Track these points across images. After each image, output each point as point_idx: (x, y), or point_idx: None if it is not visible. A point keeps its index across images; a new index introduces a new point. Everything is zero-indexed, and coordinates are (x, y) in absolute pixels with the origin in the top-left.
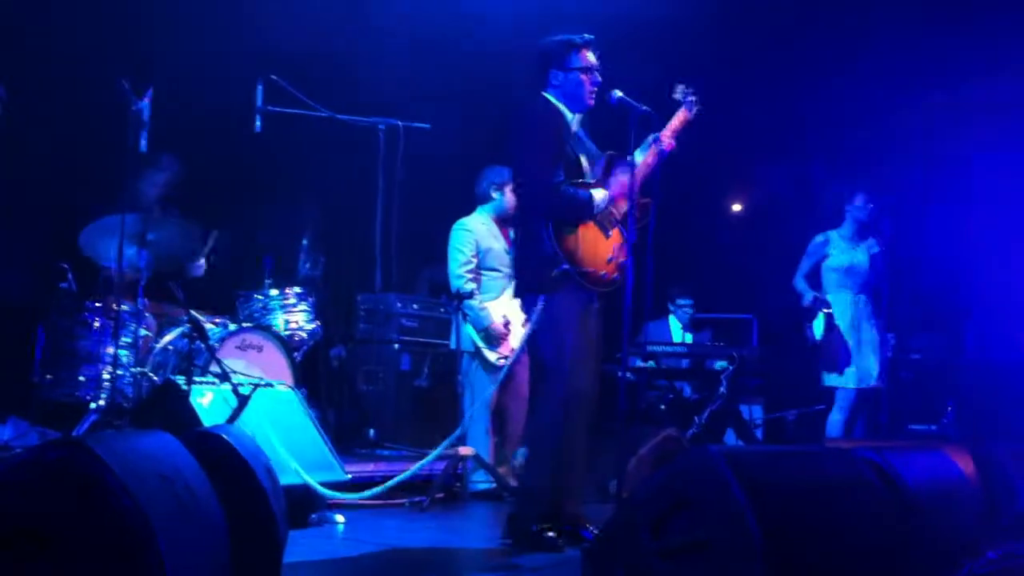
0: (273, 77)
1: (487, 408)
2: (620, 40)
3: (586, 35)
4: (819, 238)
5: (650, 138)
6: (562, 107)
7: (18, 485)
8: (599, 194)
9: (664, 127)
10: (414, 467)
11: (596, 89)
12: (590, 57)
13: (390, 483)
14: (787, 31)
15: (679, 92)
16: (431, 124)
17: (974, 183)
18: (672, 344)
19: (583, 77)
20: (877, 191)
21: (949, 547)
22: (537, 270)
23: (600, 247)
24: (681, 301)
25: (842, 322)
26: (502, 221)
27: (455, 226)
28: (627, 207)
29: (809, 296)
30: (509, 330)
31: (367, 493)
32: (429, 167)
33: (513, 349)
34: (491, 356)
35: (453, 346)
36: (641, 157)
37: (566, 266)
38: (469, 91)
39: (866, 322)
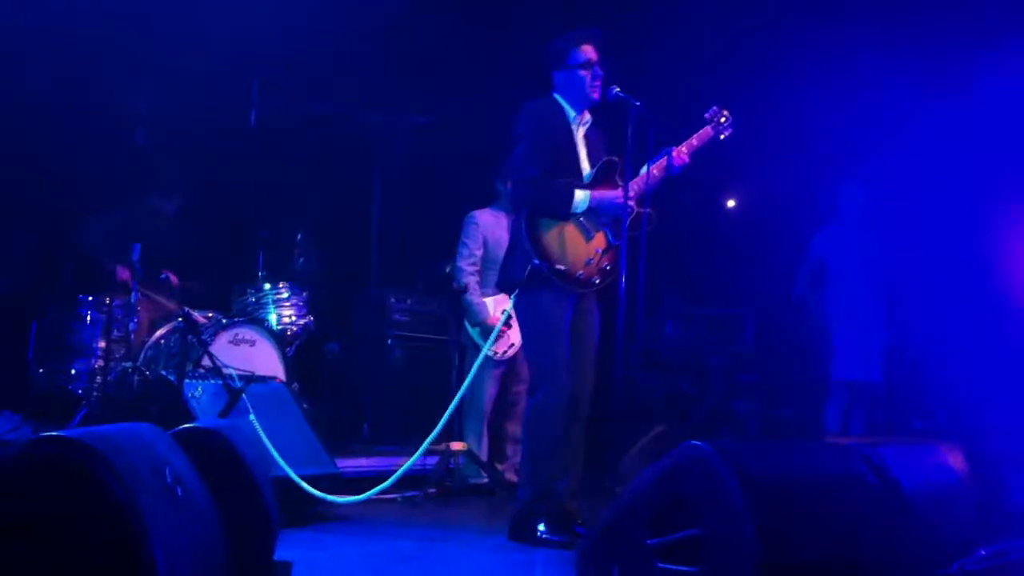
0: (269, 73)
1: (483, 403)
2: (614, 33)
3: (584, 31)
4: (820, 233)
5: (663, 151)
6: (566, 106)
7: (11, 479)
8: (580, 194)
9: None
10: (407, 463)
11: (599, 83)
12: (589, 51)
13: (384, 484)
14: (785, 25)
15: (710, 112)
16: (426, 119)
17: (973, 179)
18: (668, 340)
19: (583, 73)
20: (873, 186)
21: (941, 543)
22: (514, 264)
23: (578, 248)
24: (669, 301)
25: (841, 317)
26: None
27: (465, 219)
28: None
29: (800, 293)
30: (510, 325)
31: (361, 497)
32: (425, 162)
33: (513, 344)
34: (487, 351)
35: (458, 339)
36: (647, 168)
37: (537, 261)
38: (466, 86)
39: (864, 318)
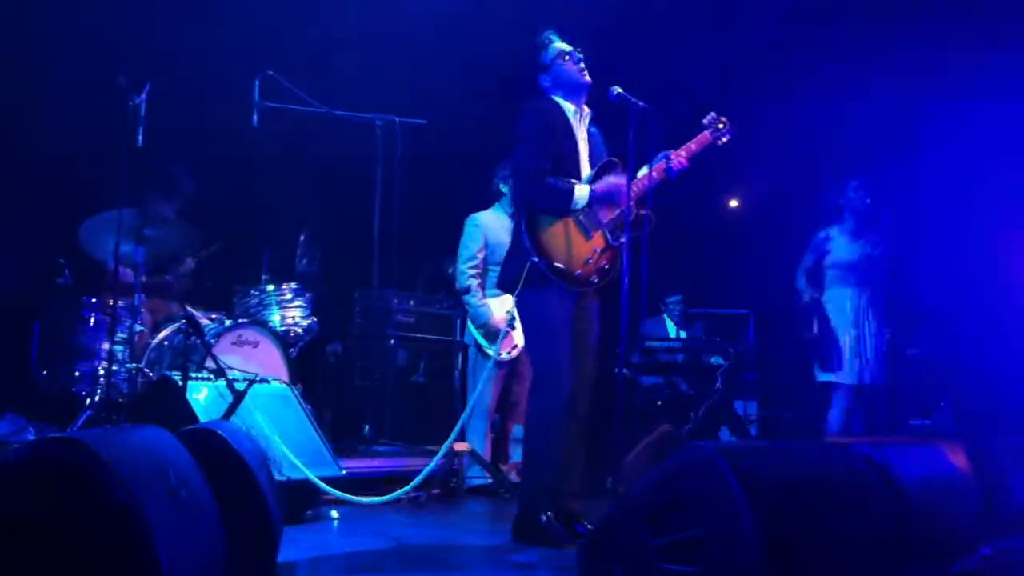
0: (270, 72)
1: (487, 404)
2: (615, 34)
3: (543, 31)
4: (820, 234)
5: (661, 155)
6: (564, 102)
7: (15, 480)
8: (581, 189)
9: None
10: (428, 466)
11: (583, 64)
12: (560, 45)
13: (406, 488)
14: (786, 24)
15: (709, 118)
16: (428, 119)
17: (973, 179)
18: (668, 340)
19: (563, 62)
20: (876, 186)
21: (944, 543)
22: (513, 263)
23: (578, 247)
24: (671, 299)
25: (842, 317)
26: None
27: (467, 220)
28: (616, 214)
29: (807, 296)
30: (513, 327)
31: (389, 496)
32: (426, 162)
33: (516, 345)
34: (492, 352)
35: (461, 340)
36: (645, 170)
37: (536, 259)
38: (467, 86)
39: (865, 318)
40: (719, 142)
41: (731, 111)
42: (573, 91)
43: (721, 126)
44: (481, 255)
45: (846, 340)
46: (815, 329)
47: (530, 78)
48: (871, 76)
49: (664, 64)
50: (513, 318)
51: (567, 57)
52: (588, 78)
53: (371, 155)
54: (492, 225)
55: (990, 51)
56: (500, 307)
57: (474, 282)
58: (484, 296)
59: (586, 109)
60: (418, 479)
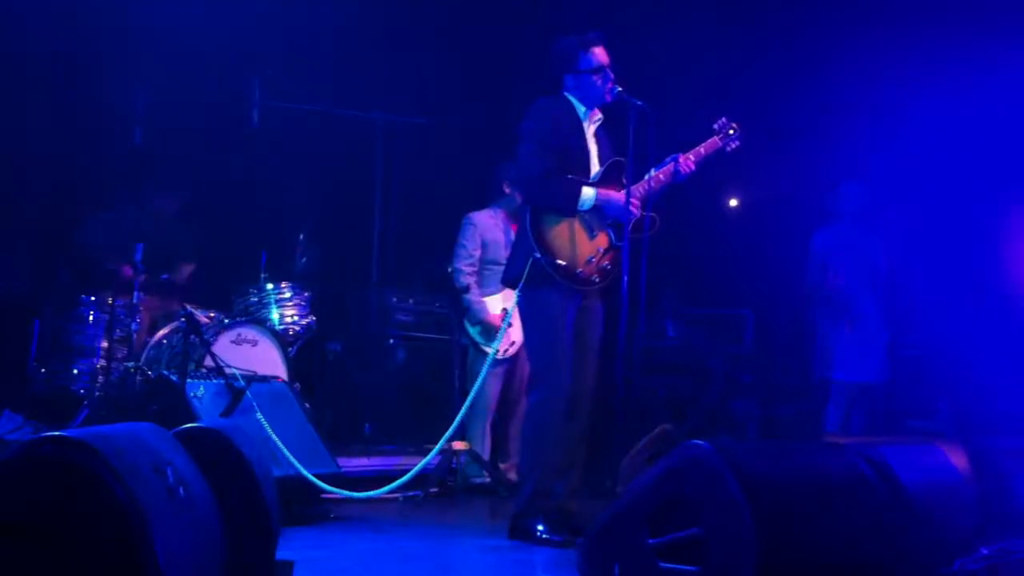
0: (270, 71)
1: (486, 402)
2: (615, 32)
3: (592, 33)
4: (821, 234)
5: (670, 158)
6: (577, 104)
7: (13, 478)
8: (587, 191)
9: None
10: (419, 463)
11: (611, 84)
12: (600, 55)
13: (396, 483)
14: (783, 21)
15: (718, 124)
16: (428, 119)
17: (970, 177)
18: (667, 340)
19: (595, 78)
20: (872, 188)
21: (942, 542)
22: (517, 259)
23: (581, 246)
24: (669, 300)
25: (842, 316)
26: (513, 215)
27: (463, 219)
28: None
29: (818, 294)
30: (511, 323)
31: (376, 492)
32: (426, 162)
33: (514, 343)
34: (489, 350)
35: (459, 339)
36: (652, 173)
37: (538, 255)
38: (467, 86)
39: (867, 316)
40: (728, 148)
41: (731, 110)
42: (591, 101)
43: (732, 132)
44: (477, 254)
45: (846, 338)
46: (810, 327)
47: (533, 69)
48: (870, 74)
49: (663, 63)
50: (509, 315)
51: (601, 74)
52: (611, 97)
53: (371, 154)
54: (488, 224)
55: (989, 48)
56: (496, 304)
57: (472, 280)
58: (480, 294)
59: (598, 113)
60: (413, 472)
